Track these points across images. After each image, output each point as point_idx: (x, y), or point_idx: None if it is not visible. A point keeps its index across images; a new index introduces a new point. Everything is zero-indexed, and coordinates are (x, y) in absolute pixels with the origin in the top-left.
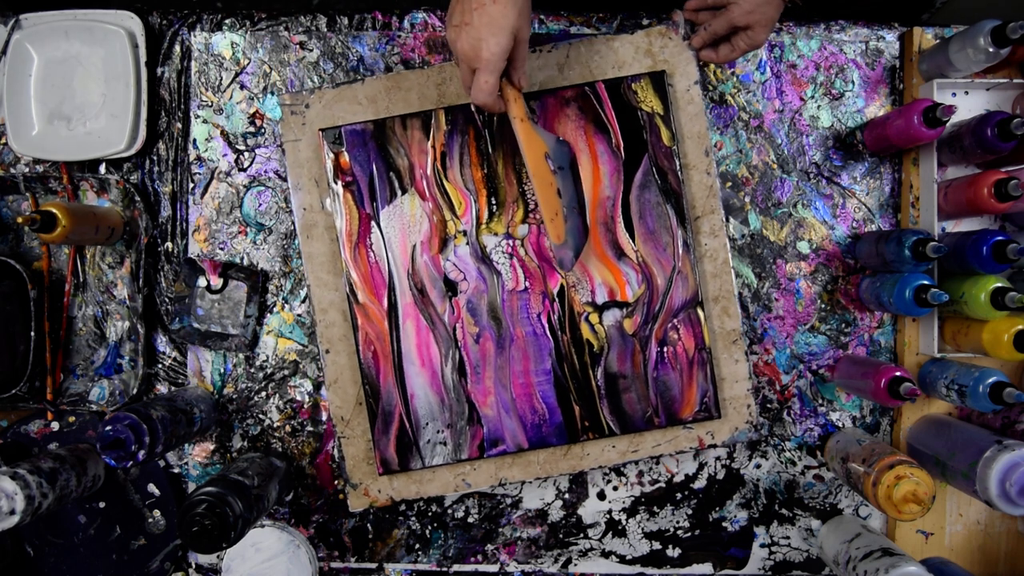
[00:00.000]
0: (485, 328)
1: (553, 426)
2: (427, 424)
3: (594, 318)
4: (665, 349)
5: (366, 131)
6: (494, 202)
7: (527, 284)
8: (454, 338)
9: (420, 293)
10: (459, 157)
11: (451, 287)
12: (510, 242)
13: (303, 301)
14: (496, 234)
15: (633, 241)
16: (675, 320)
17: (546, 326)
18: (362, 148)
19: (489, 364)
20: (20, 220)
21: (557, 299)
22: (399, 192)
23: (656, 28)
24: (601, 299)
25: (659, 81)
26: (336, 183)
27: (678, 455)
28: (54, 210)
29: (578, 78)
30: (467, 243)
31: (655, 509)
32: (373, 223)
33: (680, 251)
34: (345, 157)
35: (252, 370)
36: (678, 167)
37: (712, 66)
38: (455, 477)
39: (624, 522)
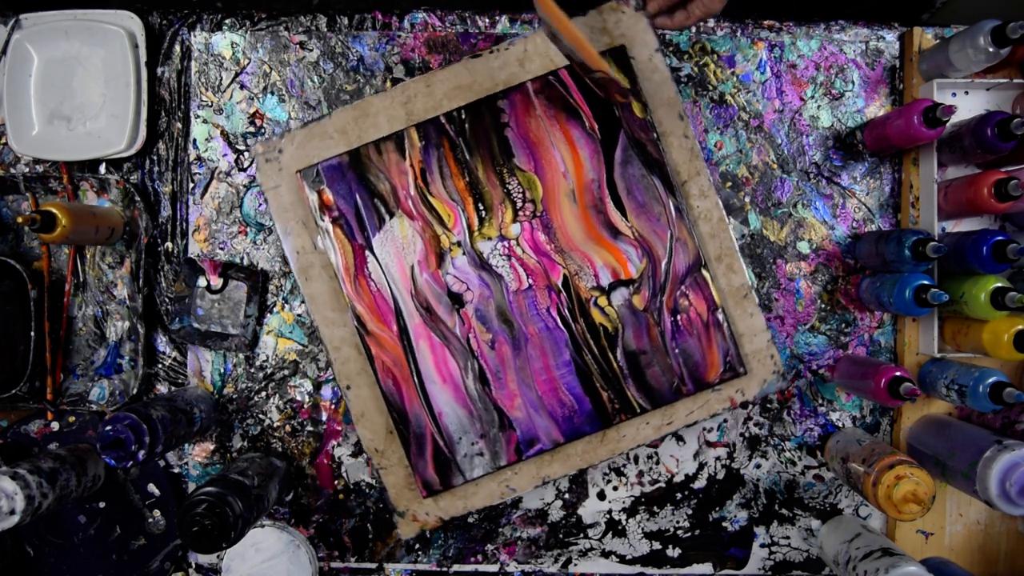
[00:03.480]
0: (498, 332)
1: (584, 415)
2: (460, 438)
3: (603, 301)
4: (679, 317)
5: (343, 163)
6: (481, 207)
7: (530, 281)
8: (469, 349)
9: (427, 312)
10: (439, 170)
11: (456, 300)
12: (505, 244)
13: (303, 301)
14: (490, 239)
15: (626, 218)
16: (683, 287)
17: (557, 318)
18: (342, 181)
19: (509, 367)
20: (20, 220)
21: (563, 289)
22: (387, 217)
23: (608, 4)
24: (606, 281)
25: (621, 56)
26: (323, 220)
27: (711, 418)
28: (54, 210)
29: (540, 69)
30: (463, 253)
31: (655, 509)
32: (368, 252)
33: (674, 218)
34: (327, 193)
35: (252, 370)
36: (655, 136)
37: (710, 64)
38: (499, 485)
39: (624, 522)
